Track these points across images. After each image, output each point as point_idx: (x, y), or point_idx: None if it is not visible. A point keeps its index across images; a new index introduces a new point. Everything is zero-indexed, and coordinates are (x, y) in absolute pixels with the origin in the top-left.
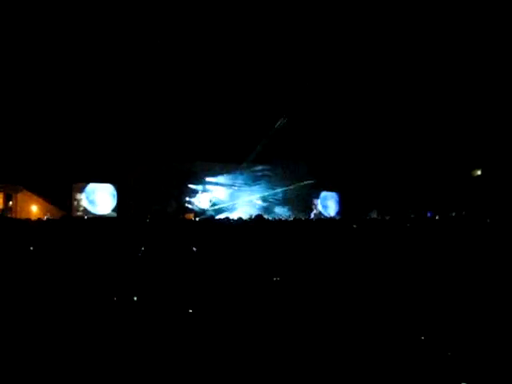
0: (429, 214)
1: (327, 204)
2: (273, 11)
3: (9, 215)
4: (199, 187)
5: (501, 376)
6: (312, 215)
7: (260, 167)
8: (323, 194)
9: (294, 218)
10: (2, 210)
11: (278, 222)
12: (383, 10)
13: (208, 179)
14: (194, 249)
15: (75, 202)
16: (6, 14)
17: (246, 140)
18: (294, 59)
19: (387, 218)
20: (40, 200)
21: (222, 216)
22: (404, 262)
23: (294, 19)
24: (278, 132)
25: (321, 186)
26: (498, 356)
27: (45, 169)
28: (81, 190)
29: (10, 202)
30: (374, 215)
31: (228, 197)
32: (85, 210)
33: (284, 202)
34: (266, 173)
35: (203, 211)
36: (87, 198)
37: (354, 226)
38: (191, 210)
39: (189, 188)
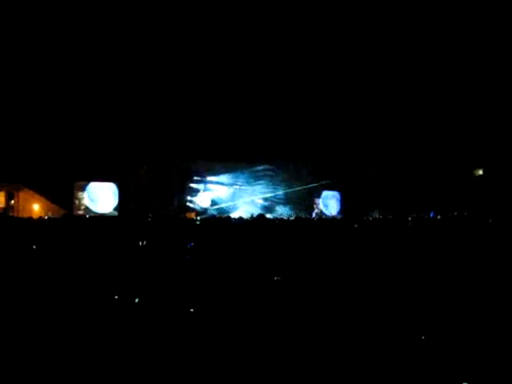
0: (432, 214)
1: (329, 203)
2: (275, 10)
3: (10, 214)
4: (201, 186)
5: (502, 376)
6: (313, 214)
7: (261, 166)
8: (325, 193)
9: (296, 218)
10: (4, 208)
11: (279, 222)
12: (385, 9)
13: (209, 178)
14: (195, 248)
15: (76, 201)
16: (6, 14)
17: (248, 139)
18: (295, 58)
19: (389, 217)
20: (42, 199)
21: (223, 215)
22: (405, 261)
23: (294, 19)
24: (279, 131)
25: (322, 185)
26: (500, 356)
27: (46, 167)
28: (82, 189)
29: (12, 201)
30: (376, 215)
31: (229, 196)
32: (86, 208)
33: (285, 201)
34: (268, 172)
35: (204, 210)
36: (88, 196)
37: (356, 225)
38: (192, 209)
39: (190, 187)
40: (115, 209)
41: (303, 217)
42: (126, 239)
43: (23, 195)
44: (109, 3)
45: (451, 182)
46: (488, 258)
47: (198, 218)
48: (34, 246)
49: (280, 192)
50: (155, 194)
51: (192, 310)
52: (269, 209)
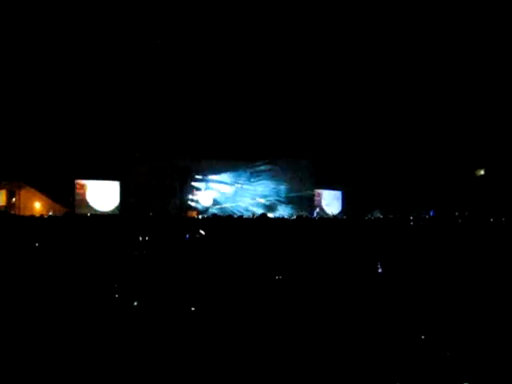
0: (431, 213)
1: (330, 203)
2: (275, 10)
3: (12, 212)
4: (202, 185)
5: (503, 376)
6: (315, 214)
7: (263, 165)
8: (326, 192)
9: (297, 217)
10: (5, 206)
11: (280, 221)
12: (385, 10)
13: (211, 177)
14: (196, 248)
15: (78, 199)
16: (6, 14)
17: (250, 138)
18: (296, 57)
19: (390, 216)
20: (43, 197)
21: (224, 214)
22: (405, 261)
23: (294, 19)
24: (281, 130)
25: (324, 184)
26: (500, 356)
27: (48, 166)
28: (84, 187)
29: (13, 199)
30: (378, 214)
31: (231, 195)
32: (87, 207)
33: (287, 200)
34: (269, 171)
35: (206, 209)
36: (90, 195)
37: (357, 225)
38: (194, 208)
39: (191, 186)
40: (116, 207)
41: (304, 216)
42: (127, 238)
43: (24, 193)
44: (109, 2)
45: (453, 181)
46: (488, 257)
47: (200, 216)
48: (36, 244)
49: (281, 191)
50: (156, 193)
51: (193, 308)
52: (270, 208)
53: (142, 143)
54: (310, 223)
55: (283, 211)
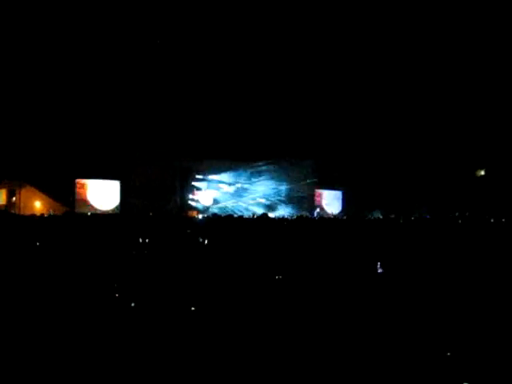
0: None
1: (330, 203)
2: (276, 9)
3: (12, 211)
4: (202, 185)
5: (502, 376)
6: (315, 214)
7: (264, 165)
8: (327, 192)
9: (297, 217)
10: (6, 205)
11: (280, 221)
12: (386, 10)
13: (211, 177)
14: (196, 247)
15: (78, 199)
16: (6, 14)
17: (250, 138)
18: (298, 57)
19: (391, 217)
20: (43, 196)
21: (225, 214)
22: (405, 261)
23: (295, 19)
24: (282, 130)
25: (324, 184)
26: (500, 356)
27: (48, 165)
28: (84, 187)
29: (14, 198)
30: (378, 214)
31: (231, 195)
32: (88, 206)
33: (287, 200)
34: (270, 171)
35: (206, 209)
36: (90, 194)
37: (357, 225)
38: (194, 208)
39: (192, 185)
40: (117, 207)
41: (305, 216)
42: (127, 237)
43: (25, 192)
44: (109, 2)
45: (453, 182)
46: (488, 258)
47: (200, 216)
48: (36, 244)
49: (282, 191)
50: (157, 193)
51: (193, 308)
52: (270, 208)
53: (142, 143)
54: (311, 223)
55: (283, 211)
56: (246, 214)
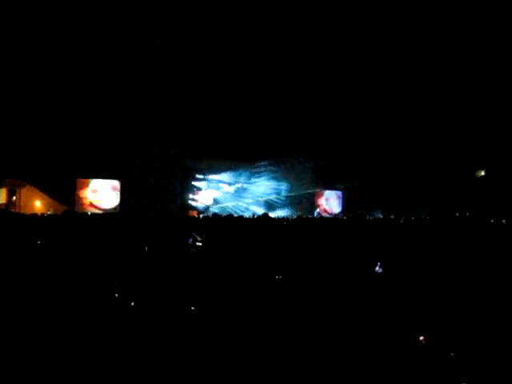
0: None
1: (331, 203)
2: (277, 9)
3: (12, 210)
4: (203, 184)
5: (501, 376)
6: (315, 214)
7: (264, 165)
8: (327, 192)
9: (297, 217)
10: (6, 205)
11: (280, 221)
12: (387, 10)
13: (212, 177)
14: (198, 246)
15: (78, 198)
16: (6, 14)
17: (251, 138)
18: (298, 57)
19: (391, 217)
20: (43, 195)
21: (225, 214)
22: (405, 261)
23: (295, 18)
24: (282, 130)
25: (324, 184)
26: (498, 356)
27: (49, 164)
28: (84, 186)
29: (14, 197)
30: (379, 214)
31: (232, 194)
32: (88, 205)
33: (287, 200)
34: (270, 171)
35: (207, 208)
36: (91, 193)
37: (357, 225)
38: (195, 208)
39: (192, 185)
40: (117, 206)
41: (305, 216)
42: (128, 237)
43: (25, 192)
44: (109, 2)
45: (453, 182)
46: (488, 258)
47: (200, 216)
48: (36, 243)
49: (282, 191)
50: (157, 192)
51: (193, 308)
52: (271, 207)
53: (143, 142)
54: (310, 223)
55: (284, 211)
56: (246, 214)
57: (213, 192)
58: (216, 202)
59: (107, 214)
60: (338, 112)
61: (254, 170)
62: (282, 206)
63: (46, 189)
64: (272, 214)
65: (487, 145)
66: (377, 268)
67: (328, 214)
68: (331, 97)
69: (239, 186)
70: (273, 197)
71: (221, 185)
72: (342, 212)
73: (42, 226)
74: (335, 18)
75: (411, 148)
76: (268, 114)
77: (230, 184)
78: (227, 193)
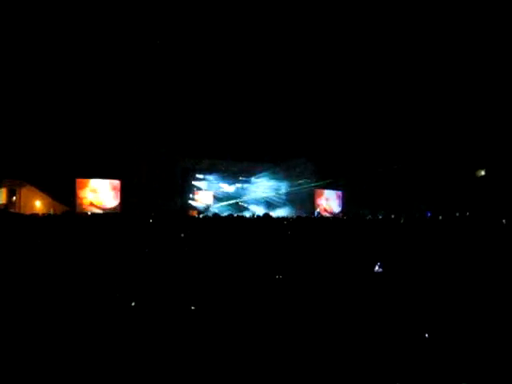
0: (428, 214)
1: (331, 203)
2: (277, 9)
3: (12, 210)
4: (203, 184)
5: (501, 376)
6: (316, 214)
7: (264, 165)
8: (327, 192)
9: (297, 217)
10: (6, 205)
11: (280, 221)
12: (386, 8)
13: (212, 177)
14: (197, 246)
15: (79, 198)
16: (7, 14)
17: (251, 138)
18: (298, 57)
19: (392, 216)
20: (44, 195)
21: (225, 213)
22: (405, 261)
23: (295, 18)
24: (282, 129)
25: (325, 184)
26: (499, 356)
27: (49, 164)
28: (84, 186)
29: (14, 197)
30: (379, 214)
31: (232, 194)
32: (88, 205)
33: (287, 200)
34: (270, 171)
35: (207, 208)
36: (91, 193)
37: (357, 225)
38: (195, 208)
39: (192, 185)
40: (118, 206)
41: (305, 216)
42: (128, 236)
43: (25, 192)
44: (109, 2)
45: (454, 182)
46: (488, 258)
47: (200, 215)
48: (36, 243)
49: (282, 191)
50: (158, 192)
51: (193, 307)
52: (271, 207)
53: (143, 142)
54: (310, 223)
55: (284, 210)
56: (247, 214)
57: (213, 192)
58: (216, 201)
59: (107, 214)
60: (338, 112)
61: (254, 170)
62: (282, 205)
63: (46, 189)
64: (272, 214)
65: (487, 144)
66: (377, 268)
67: (328, 213)
68: (331, 97)
69: (239, 185)
70: (272, 197)
71: (221, 185)
72: (341, 212)
73: (42, 226)
74: (335, 18)
75: (411, 148)
76: (268, 113)
77: (230, 184)
78: (227, 193)
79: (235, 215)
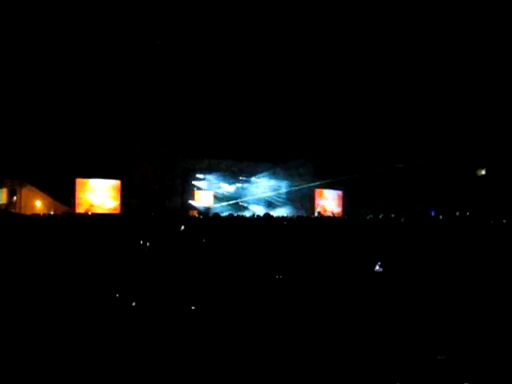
0: (432, 213)
1: (331, 202)
2: (277, 9)
3: (12, 210)
4: (203, 184)
5: (502, 376)
6: (316, 213)
7: (264, 165)
8: (327, 192)
9: (297, 216)
10: (6, 205)
11: (280, 220)
12: (386, 8)
13: (212, 177)
14: (197, 246)
15: (79, 198)
16: (7, 14)
17: (251, 138)
18: (298, 57)
19: (392, 216)
20: (44, 195)
21: (225, 214)
22: (405, 261)
23: (295, 18)
24: (282, 129)
25: (325, 184)
26: (500, 356)
27: (49, 164)
28: (85, 186)
29: (14, 197)
30: (379, 214)
31: (232, 194)
32: (88, 205)
33: (288, 199)
34: (271, 171)
35: (207, 208)
36: (91, 193)
37: (357, 224)
38: (195, 207)
39: (193, 185)
40: (118, 206)
41: (305, 216)
42: (128, 236)
43: (25, 192)
44: (109, 2)
45: (454, 181)
46: (488, 258)
47: (201, 216)
48: (36, 243)
49: (282, 191)
50: (158, 192)
51: (193, 307)
52: (271, 207)
53: (143, 142)
54: (310, 222)
55: (284, 210)
56: (247, 214)
57: (213, 192)
58: (216, 201)
59: (107, 214)
60: (338, 112)
61: (254, 170)
62: (282, 205)
63: (46, 189)
64: (272, 214)
65: (488, 144)
66: (377, 267)
67: (328, 213)
68: (332, 97)
69: (239, 185)
70: (272, 197)
71: (221, 184)
72: (342, 211)
73: (43, 226)
74: (335, 19)
75: (411, 148)
76: (268, 113)
77: (230, 184)
78: (227, 192)
79: (235, 215)
